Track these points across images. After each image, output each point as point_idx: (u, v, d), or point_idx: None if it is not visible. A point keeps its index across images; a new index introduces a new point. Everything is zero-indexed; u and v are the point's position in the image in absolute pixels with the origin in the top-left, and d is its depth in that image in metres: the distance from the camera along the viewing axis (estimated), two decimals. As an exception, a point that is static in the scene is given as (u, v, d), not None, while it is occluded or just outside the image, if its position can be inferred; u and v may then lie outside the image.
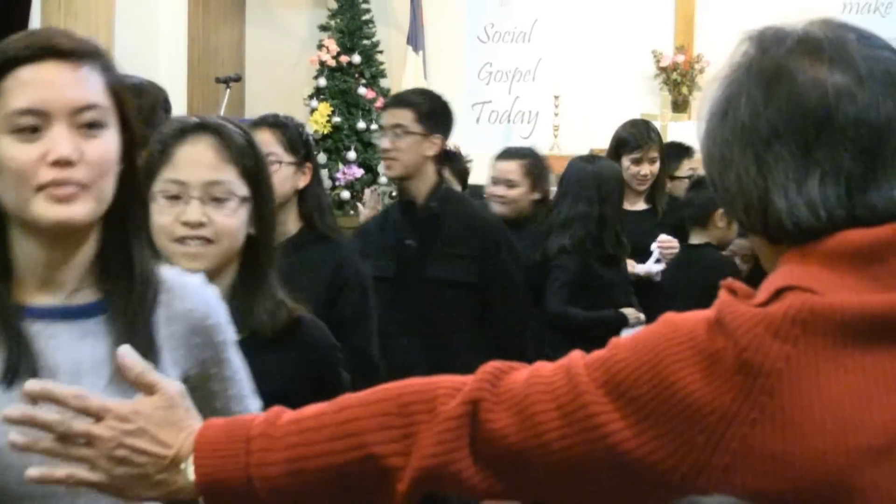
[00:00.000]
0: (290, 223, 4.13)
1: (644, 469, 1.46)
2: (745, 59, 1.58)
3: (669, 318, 1.51)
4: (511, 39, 10.95)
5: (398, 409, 1.58)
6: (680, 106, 10.30)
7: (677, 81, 10.33)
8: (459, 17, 10.95)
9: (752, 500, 1.42)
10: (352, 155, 10.24)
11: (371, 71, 10.73)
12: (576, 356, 1.55)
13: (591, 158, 6.39)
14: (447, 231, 4.79)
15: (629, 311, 5.39)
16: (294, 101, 10.35)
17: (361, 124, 10.47)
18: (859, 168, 1.48)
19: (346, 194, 10.10)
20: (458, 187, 5.41)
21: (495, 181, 5.84)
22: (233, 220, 2.65)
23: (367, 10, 10.77)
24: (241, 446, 1.61)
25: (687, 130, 9.32)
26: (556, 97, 10.29)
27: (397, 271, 4.79)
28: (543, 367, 1.56)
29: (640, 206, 6.07)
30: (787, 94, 1.51)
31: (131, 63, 8.20)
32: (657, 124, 9.57)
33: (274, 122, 4.28)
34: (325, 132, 10.19)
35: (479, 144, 10.60)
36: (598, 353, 1.53)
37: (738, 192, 1.55)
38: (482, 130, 10.69)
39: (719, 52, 9.03)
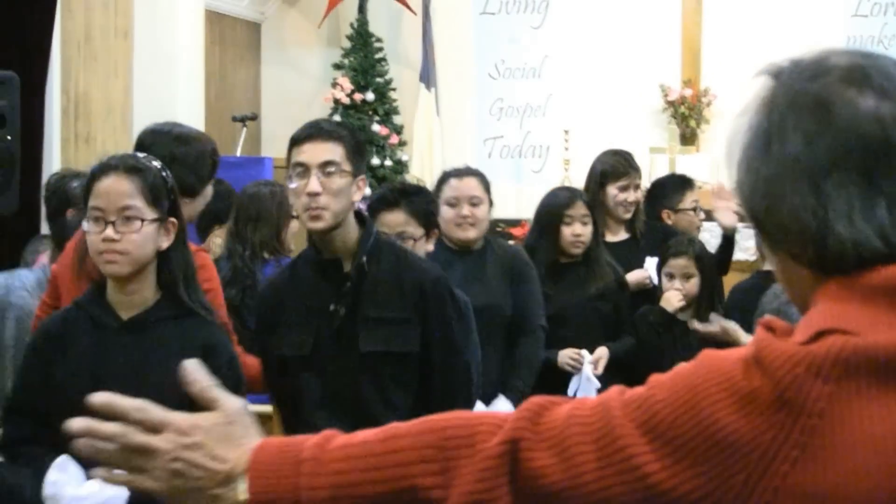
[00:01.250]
0: (147, 292, 3.35)
1: None
2: (780, 91, 1.54)
3: (707, 355, 1.50)
4: (521, 76, 10.92)
5: (440, 441, 1.58)
6: (688, 139, 10.27)
7: (685, 115, 10.29)
8: (470, 55, 10.96)
9: None
10: (367, 191, 10.16)
11: (384, 108, 10.74)
12: (615, 393, 1.54)
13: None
14: (380, 292, 3.78)
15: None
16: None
17: (375, 160, 10.42)
18: None
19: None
20: (419, 231, 4.47)
21: (456, 202, 5.10)
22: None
23: (380, 49, 10.79)
24: (292, 468, 1.61)
25: (696, 163, 9.42)
26: (567, 132, 10.27)
27: (317, 346, 3.75)
28: (584, 403, 1.55)
29: (622, 235, 6.04)
30: (841, 122, 1.47)
31: (150, 102, 8.31)
32: (665, 157, 9.62)
33: (133, 167, 3.36)
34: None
35: (491, 179, 10.64)
36: (637, 391, 1.52)
37: (793, 224, 1.50)
38: (494, 165, 10.62)
39: (726, 85, 9.14)
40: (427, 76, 10.66)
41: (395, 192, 4.56)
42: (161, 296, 3.34)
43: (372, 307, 3.71)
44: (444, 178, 5.32)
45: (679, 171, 8.05)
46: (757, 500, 1.38)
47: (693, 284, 5.36)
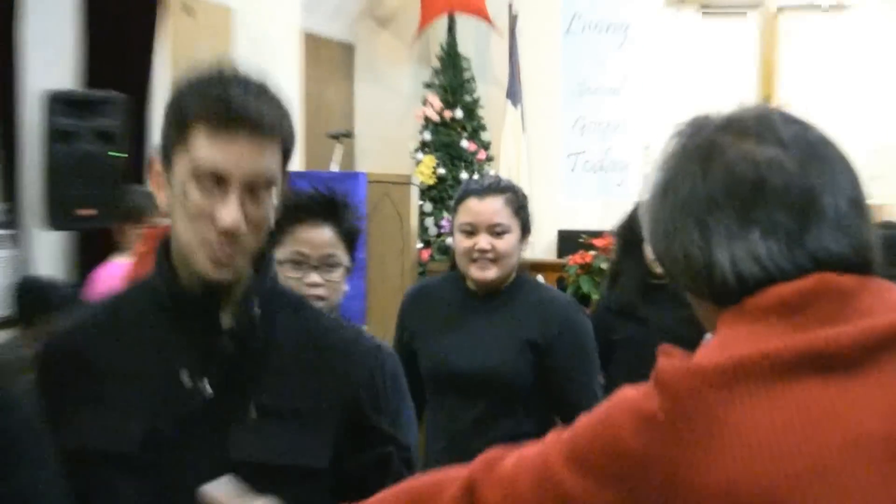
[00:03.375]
0: None
1: None
2: (678, 146, 1.63)
3: (620, 391, 1.56)
4: (604, 93, 10.88)
5: (415, 497, 1.74)
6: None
7: None
8: (555, 74, 10.94)
9: None
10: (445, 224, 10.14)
11: (472, 125, 10.72)
12: (554, 436, 1.61)
13: None
14: (279, 366, 2.11)
15: None
16: (401, 154, 10.49)
17: (464, 174, 10.42)
18: (794, 224, 1.51)
19: (451, 240, 10.13)
20: (346, 259, 2.95)
21: (473, 229, 3.77)
22: None
23: (468, 68, 10.79)
24: None
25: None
26: (647, 147, 10.28)
27: (151, 442, 2.01)
28: (531, 449, 1.63)
29: None
30: (720, 166, 1.55)
31: None
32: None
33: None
34: (431, 183, 10.16)
35: (574, 192, 10.69)
36: (567, 431, 1.59)
37: (684, 259, 1.58)
38: (577, 178, 10.77)
39: (801, 103, 9.04)
40: (513, 94, 10.66)
41: (321, 202, 2.89)
42: None
43: (263, 389, 2.07)
44: (462, 195, 3.87)
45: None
46: (680, 490, 1.43)
47: None
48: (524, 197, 3.93)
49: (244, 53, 8.90)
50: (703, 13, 10.68)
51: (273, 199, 2.05)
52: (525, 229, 3.83)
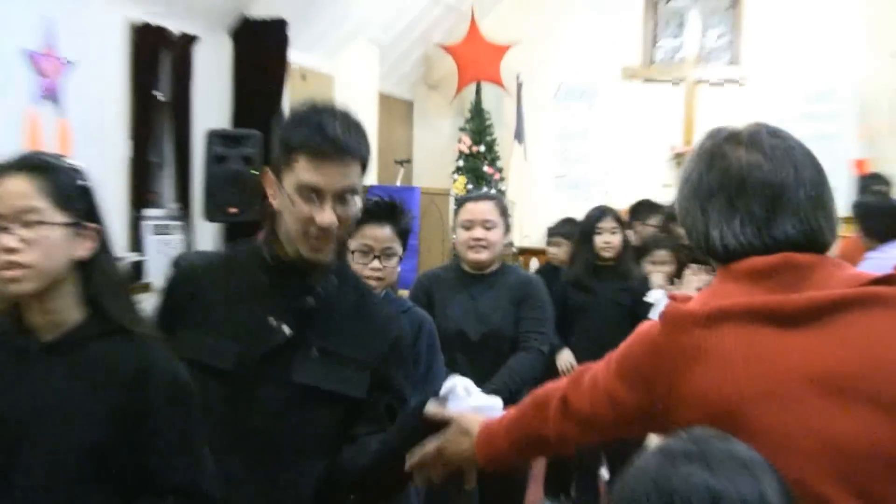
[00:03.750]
0: (68, 310, 1.75)
1: (638, 410, 1.51)
2: (700, 148, 1.58)
3: (641, 325, 1.55)
4: (578, 137, 10.79)
5: (538, 403, 1.75)
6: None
7: (680, 163, 10.09)
8: (547, 123, 10.85)
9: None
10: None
11: (491, 156, 10.69)
12: (608, 356, 1.60)
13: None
14: (340, 324, 2.01)
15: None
16: (443, 175, 10.46)
17: (485, 189, 10.29)
18: (764, 214, 1.46)
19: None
20: (400, 250, 2.75)
21: (470, 224, 3.63)
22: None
23: (489, 118, 10.75)
24: (490, 438, 1.83)
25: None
26: (606, 173, 10.34)
27: (240, 363, 1.93)
28: (597, 367, 1.62)
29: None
30: (718, 166, 1.50)
31: None
32: (673, 191, 9.50)
33: (36, 165, 1.71)
34: (463, 195, 10.17)
35: (558, 202, 10.67)
36: (615, 352, 1.59)
37: (693, 229, 1.54)
38: (559, 193, 10.67)
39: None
40: (519, 135, 10.58)
41: (385, 207, 2.74)
42: (87, 313, 1.77)
43: (326, 338, 1.96)
44: (462, 201, 3.78)
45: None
46: (673, 400, 1.42)
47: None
48: (506, 204, 3.82)
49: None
50: (645, 82, 10.59)
51: (357, 202, 1.98)
52: (507, 227, 3.72)
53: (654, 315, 1.54)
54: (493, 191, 10.49)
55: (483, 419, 1.87)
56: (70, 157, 1.80)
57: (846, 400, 1.33)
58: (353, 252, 2.48)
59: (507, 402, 1.98)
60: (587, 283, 4.87)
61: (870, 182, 7.68)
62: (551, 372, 4.23)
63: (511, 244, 5.35)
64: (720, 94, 10.23)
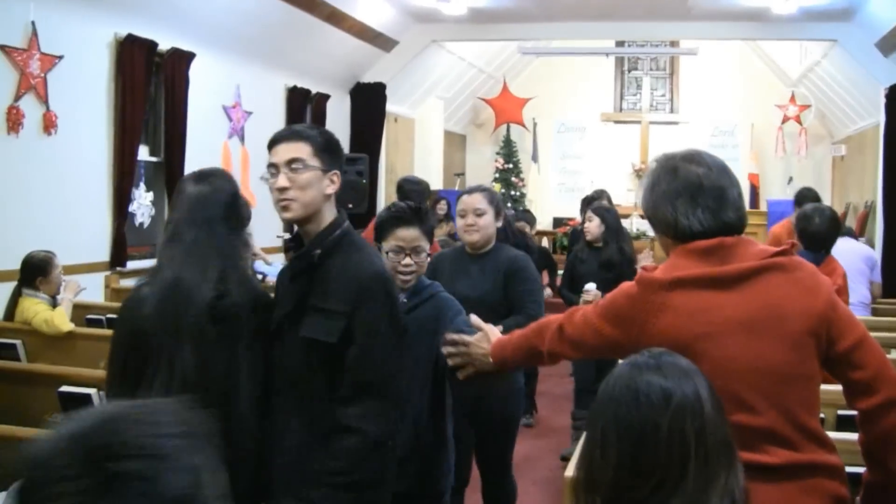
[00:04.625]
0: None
1: (617, 342, 1.40)
2: (658, 166, 1.45)
3: (623, 283, 1.43)
4: (572, 159, 10.62)
5: (541, 326, 1.59)
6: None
7: (641, 176, 9.91)
8: (551, 149, 10.69)
9: None
10: (510, 212, 9.82)
11: (516, 171, 10.59)
12: (596, 302, 1.49)
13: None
14: (326, 282, 1.66)
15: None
16: (485, 183, 10.23)
17: (514, 193, 10.37)
18: (715, 206, 1.37)
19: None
20: (427, 245, 2.18)
21: (464, 213, 2.90)
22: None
23: (515, 146, 10.64)
24: (502, 349, 1.67)
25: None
26: (591, 182, 9.88)
27: (280, 323, 1.69)
28: (587, 308, 1.49)
29: None
30: (681, 175, 1.40)
31: (419, 169, 8.36)
32: (635, 194, 9.30)
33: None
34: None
35: (560, 200, 10.54)
36: (604, 298, 1.47)
37: (663, 220, 1.41)
38: (562, 195, 10.51)
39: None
40: (535, 157, 10.48)
41: (411, 211, 2.23)
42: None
43: (317, 296, 1.65)
44: (459, 195, 3.06)
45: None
46: (645, 336, 1.32)
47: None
48: (496, 193, 3.03)
49: (420, 141, 8.96)
50: (616, 123, 10.47)
51: (308, 173, 1.65)
52: (498, 212, 2.92)
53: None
54: (517, 194, 10.45)
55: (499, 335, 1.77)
56: (249, 174, 1.70)
57: (760, 336, 1.30)
58: (387, 253, 2.09)
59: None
60: (582, 256, 4.38)
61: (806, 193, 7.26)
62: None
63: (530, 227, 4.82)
64: (664, 131, 10.12)
